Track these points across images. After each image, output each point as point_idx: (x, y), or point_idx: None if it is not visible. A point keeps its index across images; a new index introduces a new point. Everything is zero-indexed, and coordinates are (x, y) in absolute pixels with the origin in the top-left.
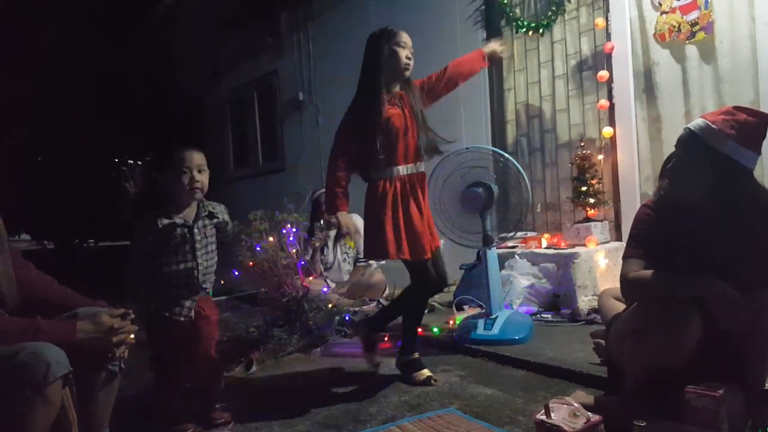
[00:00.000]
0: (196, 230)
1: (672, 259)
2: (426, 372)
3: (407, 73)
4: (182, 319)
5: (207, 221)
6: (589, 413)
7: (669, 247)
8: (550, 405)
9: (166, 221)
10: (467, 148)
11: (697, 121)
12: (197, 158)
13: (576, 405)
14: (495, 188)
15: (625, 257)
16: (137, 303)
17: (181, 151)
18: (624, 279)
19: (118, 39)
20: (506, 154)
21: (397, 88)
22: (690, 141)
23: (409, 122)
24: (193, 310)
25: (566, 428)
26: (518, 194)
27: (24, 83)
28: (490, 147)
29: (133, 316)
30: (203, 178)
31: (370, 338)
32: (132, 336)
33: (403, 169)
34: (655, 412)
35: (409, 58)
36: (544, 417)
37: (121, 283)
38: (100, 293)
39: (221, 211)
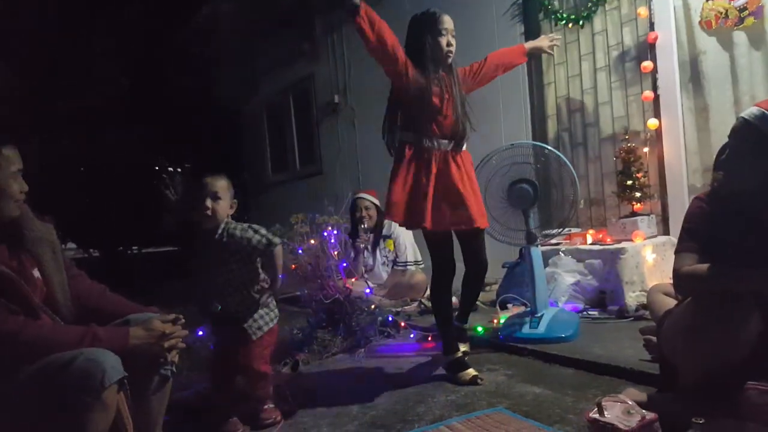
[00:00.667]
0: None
1: (728, 253)
2: (472, 371)
3: (449, 60)
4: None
5: (225, 242)
6: (643, 411)
7: (725, 241)
8: (602, 403)
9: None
10: (512, 144)
11: (751, 110)
12: (213, 185)
13: (630, 402)
14: (538, 185)
15: (677, 252)
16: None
17: (202, 177)
18: (677, 274)
19: (157, 50)
20: (552, 148)
21: (439, 71)
22: (745, 130)
23: (447, 103)
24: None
25: (621, 426)
26: (561, 190)
27: (68, 96)
28: (534, 142)
29: (183, 321)
30: (216, 206)
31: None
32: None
33: (434, 142)
34: (713, 410)
35: (450, 44)
36: (597, 415)
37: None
38: (145, 299)
39: (234, 233)
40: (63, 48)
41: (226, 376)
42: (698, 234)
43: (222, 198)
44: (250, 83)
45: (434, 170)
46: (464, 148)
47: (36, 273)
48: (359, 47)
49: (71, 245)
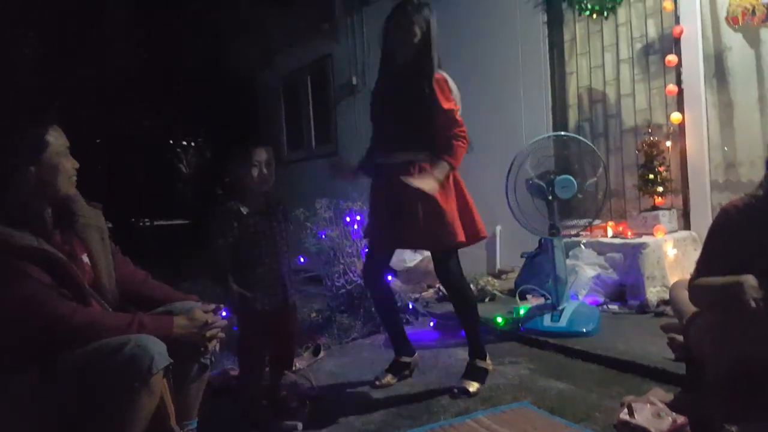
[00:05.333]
0: (272, 221)
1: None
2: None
3: (402, 55)
4: (267, 309)
5: (279, 213)
6: (673, 413)
7: (755, 255)
8: (633, 404)
9: (245, 210)
10: (548, 136)
11: None
12: (266, 154)
13: (661, 405)
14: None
15: (696, 262)
16: (226, 293)
17: (251, 146)
18: (690, 286)
19: (173, 23)
20: (589, 143)
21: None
22: None
23: (386, 109)
24: (278, 300)
25: (652, 430)
26: (587, 181)
27: (84, 67)
28: (575, 135)
29: (223, 311)
30: (271, 173)
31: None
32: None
33: (381, 158)
34: (742, 411)
35: (406, 35)
36: (627, 417)
37: (212, 276)
38: (160, 270)
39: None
40: (80, 19)
41: (262, 356)
42: (719, 248)
43: (272, 165)
44: (267, 59)
45: (383, 189)
46: (453, 161)
47: (85, 258)
48: (379, 29)
49: None
